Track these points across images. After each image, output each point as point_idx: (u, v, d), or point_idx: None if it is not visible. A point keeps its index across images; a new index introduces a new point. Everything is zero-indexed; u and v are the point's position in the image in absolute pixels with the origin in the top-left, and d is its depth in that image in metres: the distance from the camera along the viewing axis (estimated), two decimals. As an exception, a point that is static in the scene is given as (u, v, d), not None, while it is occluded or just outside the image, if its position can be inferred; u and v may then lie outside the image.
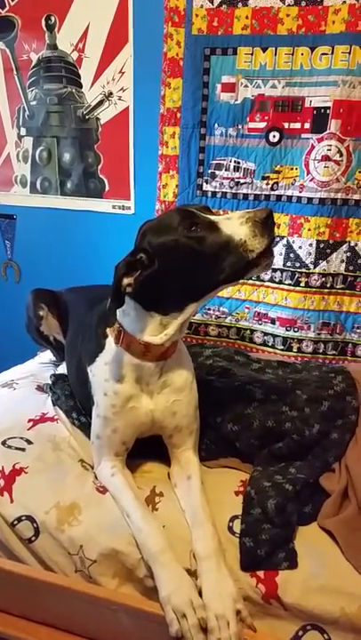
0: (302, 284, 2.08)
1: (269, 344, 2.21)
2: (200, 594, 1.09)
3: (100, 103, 2.31)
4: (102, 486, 1.36)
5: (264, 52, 1.96)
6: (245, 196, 2.12)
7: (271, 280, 2.16)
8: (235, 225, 1.14)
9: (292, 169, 2.05)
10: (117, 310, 1.28)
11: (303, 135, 1.99)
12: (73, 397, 1.70)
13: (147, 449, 1.46)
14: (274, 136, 2.04)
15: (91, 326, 1.50)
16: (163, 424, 1.38)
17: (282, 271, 2.12)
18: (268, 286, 2.17)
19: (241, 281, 2.00)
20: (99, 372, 1.39)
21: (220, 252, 1.15)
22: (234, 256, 1.14)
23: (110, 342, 1.35)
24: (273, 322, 2.18)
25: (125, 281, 1.18)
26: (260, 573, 1.15)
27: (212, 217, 1.19)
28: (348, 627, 1.07)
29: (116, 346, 1.32)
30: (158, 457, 1.46)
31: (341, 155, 1.95)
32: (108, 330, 1.35)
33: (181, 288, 1.23)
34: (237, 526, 1.23)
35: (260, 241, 1.12)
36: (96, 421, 1.40)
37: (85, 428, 1.55)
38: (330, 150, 1.94)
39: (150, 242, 1.21)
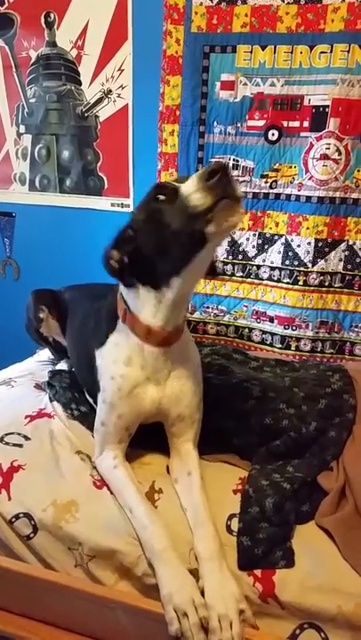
0: (301, 283, 2.09)
1: (268, 342, 2.22)
2: (202, 594, 1.09)
3: (100, 101, 2.31)
4: (100, 480, 1.36)
5: (263, 50, 1.96)
6: (244, 194, 2.12)
7: (270, 278, 2.16)
8: (189, 183, 1.09)
9: (290, 167, 2.05)
10: (122, 289, 1.33)
11: (302, 133, 1.99)
12: (71, 389, 1.71)
13: (147, 438, 1.46)
14: (273, 134, 2.04)
15: (100, 312, 1.51)
16: (167, 412, 1.39)
17: (280, 269, 2.12)
18: (266, 284, 2.17)
19: (237, 279, 1.99)
20: (108, 353, 1.39)
21: (176, 212, 1.12)
22: (183, 212, 1.09)
23: (123, 325, 1.36)
24: (271, 320, 2.19)
25: (113, 253, 1.24)
26: (258, 572, 1.15)
27: (179, 183, 1.15)
28: (345, 625, 1.08)
29: (123, 325, 1.34)
30: (158, 447, 1.46)
31: (340, 153, 1.95)
32: (119, 309, 1.37)
33: (161, 257, 1.22)
34: (235, 525, 1.23)
35: (204, 195, 1.05)
36: (102, 407, 1.39)
37: (85, 417, 1.56)
38: (328, 149, 1.94)
39: (132, 217, 1.26)
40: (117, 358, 1.36)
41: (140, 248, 1.23)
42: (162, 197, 1.17)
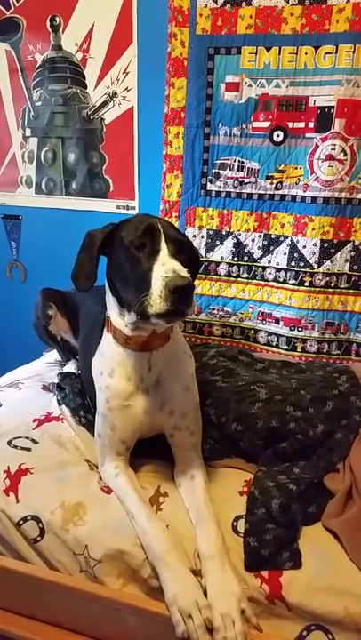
0: (306, 284, 2.08)
1: (273, 344, 2.21)
2: (205, 593, 1.10)
3: (105, 103, 2.32)
4: (107, 486, 1.37)
5: (268, 51, 1.95)
6: (249, 196, 2.12)
7: (275, 280, 2.16)
8: (157, 274, 1.12)
9: (296, 168, 2.05)
10: (106, 298, 1.36)
11: (307, 134, 1.99)
12: (81, 395, 1.71)
13: (151, 449, 1.47)
14: (278, 135, 2.03)
15: (98, 319, 1.53)
16: (161, 422, 1.40)
17: (286, 271, 2.12)
18: (272, 286, 2.17)
19: (242, 280, 2.00)
20: (95, 365, 1.43)
21: (137, 283, 1.17)
22: (140, 297, 1.14)
23: (106, 333, 1.38)
24: (277, 321, 2.18)
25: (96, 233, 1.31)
26: (265, 573, 1.15)
27: (161, 251, 1.17)
28: (353, 627, 1.08)
29: (107, 333, 1.36)
30: (163, 457, 1.47)
31: (346, 154, 1.94)
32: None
33: (120, 290, 1.27)
34: (242, 526, 1.24)
35: (159, 303, 1.10)
36: (97, 419, 1.42)
37: (91, 426, 1.55)
38: (334, 149, 1.94)
39: (118, 230, 1.27)
40: (103, 369, 1.39)
41: (110, 261, 1.29)
42: (144, 250, 1.19)
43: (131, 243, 1.20)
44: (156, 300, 1.10)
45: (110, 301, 1.34)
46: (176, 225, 2.21)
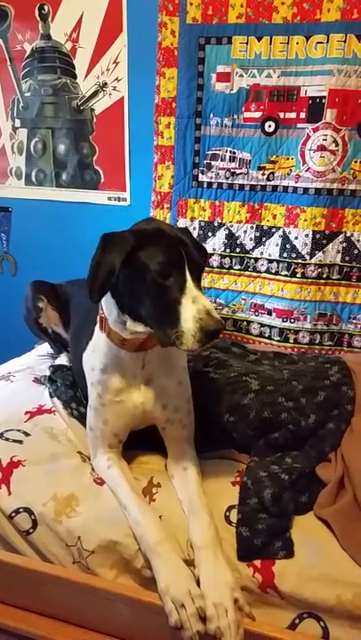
0: (298, 275, 2.08)
1: (266, 335, 2.22)
2: (198, 583, 1.10)
3: (95, 94, 2.30)
4: (100, 478, 1.37)
5: (259, 40, 1.94)
6: (241, 187, 2.12)
7: (267, 271, 2.16)
8: (189, 313, 1.11)
9: (287, 159, 2.04)
10: (104, 299, 1.30)
11: (299, 125, 1.98)
12: (73, 387, 1.71)
13: (144, 440, 1.47)
14: (269, 126, 2.03)
15: (89, 314, 1.51)
16: (153, 416, 1.40)
17: (278, 262, 2.12)
18: (264, 277, 2.17)
19: (235, 271, 2.00)
20: (87, 360, 1.42)
21: (162, 313, 1.16)
22: (167, 329, 1.14)
23: (98, 329, 1.37)
24: (269, 313, 2.19)
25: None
26: (257, 563, 1.16)
27: (187, 282, 1.15)
28: (344, 614, 1.09)
29: (100, 332, 1.35)
30: (156, 448, 1.47)
31: (337, 144, 1.94)
32: (98, 317, 1.37)
33: (128, 302, 1.23)
34: (234, 516, 1.24)
35: (192, 343, 1.10)
36: (89, 413, 1.42)
37: (83, 418, 1.55)
38: (325, 140, 1.94)
39: (138, 249, 1.18)
40: (95, 365, 1.38)
41: (122, 274, 1.19)
42: (170, 279, 1.15)
43: (155, 270, 1.15)
44: (189, 339, 1.10)
45: (109, 304, 1.28)
46: (167, 217, 2.21)
